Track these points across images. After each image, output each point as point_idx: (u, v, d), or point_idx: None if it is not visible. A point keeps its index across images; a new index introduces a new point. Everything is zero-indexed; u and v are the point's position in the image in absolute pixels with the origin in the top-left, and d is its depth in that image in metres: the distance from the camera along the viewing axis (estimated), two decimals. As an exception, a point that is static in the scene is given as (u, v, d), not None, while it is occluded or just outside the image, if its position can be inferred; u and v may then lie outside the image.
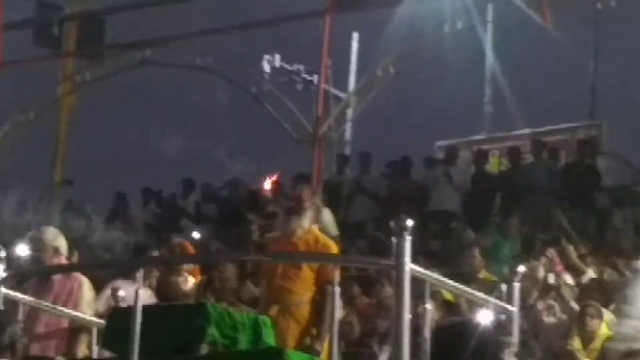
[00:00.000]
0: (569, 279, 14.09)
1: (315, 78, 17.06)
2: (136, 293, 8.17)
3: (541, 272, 14.02)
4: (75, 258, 12.49)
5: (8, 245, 11.57)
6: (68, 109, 17.66)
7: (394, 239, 7.81)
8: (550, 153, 21.41)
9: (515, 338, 9.20)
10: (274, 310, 9.75)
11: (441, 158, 22.02)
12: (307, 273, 9.99)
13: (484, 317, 10.22)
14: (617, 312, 13.31)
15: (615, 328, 13.05)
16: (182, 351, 8.51)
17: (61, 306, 10.15)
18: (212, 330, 8.47)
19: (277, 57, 18.40)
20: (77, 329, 10.44)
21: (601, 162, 19.25)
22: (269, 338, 8.94)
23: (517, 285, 9.42)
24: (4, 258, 9.77)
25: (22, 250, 11.58)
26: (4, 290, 9.14)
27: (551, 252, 14.59)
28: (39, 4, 17.46)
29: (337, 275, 9.38)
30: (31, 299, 9.76)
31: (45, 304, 9.97)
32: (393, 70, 16.36)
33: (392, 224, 7.72)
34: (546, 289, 13.66)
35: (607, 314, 12.92)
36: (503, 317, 9.30)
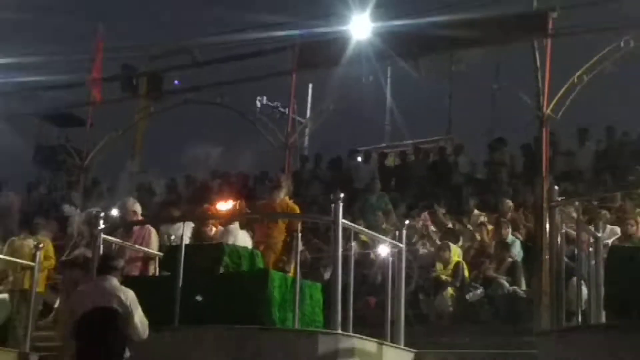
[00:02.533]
0: (433, 227, 14.28)
1: (286, 110, 17.18)
2: (182, 237, 8.76)
3: (420, 224, 14.24)
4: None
5: (107, 210, 11.77)
6: (141, 129, 17.77)
7: (333, 205, 8.12)
8: (424, 154, 21.55)
9: (403, 264, 9.40)
10: (262, 247, 10.01)
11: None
12: (281, 225, 10.24)
13: (383, 250, 10.51)
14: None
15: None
16: (208, 272, 8.68)
17: (138, 245, 10.63)
18: (226, 259, 8.63)
19: (265, 98, 18.66)
20: (148, 258, 10.85)
21: (461, 159, 19.48)
22: (260, 264, 9.17)
23: (404, 232, 9.72)
24: (102, 216, 10.00)
25: (115, 212, 11.78)
26: (103, 235, 9.35)
27: (424, 214, 14.78)
28: (124, 67, 17.49)
29: (299, 227, 9.60)
30: (120, 240, 10.22)
31: (129, 244, 10.43)
32: (332, 106, 16.39)
33: (332, 196, 8.03)
34: (423, 235, 13.89)
35: (455, 248, 13.07)
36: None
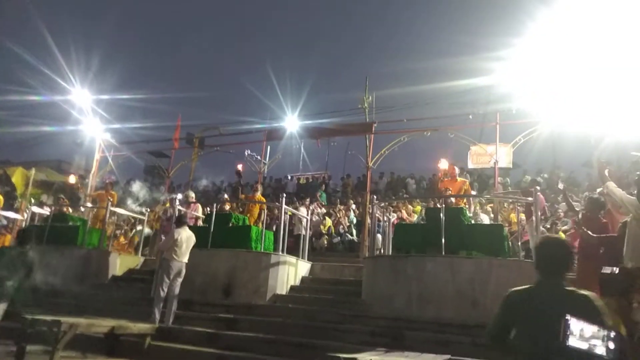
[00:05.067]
0: (319, 210, 14.04)
1: (259, 157, 16.73)
2: (214, 210, 8.07)
3: (312, 208, 14.04)
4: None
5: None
6: (194, 161, 16.91)
7: (280, 199, 7.84)
8: (314, 178, 21.51)
9: (307, 224, 9.32)
10: (248, 215, 9.70)
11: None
12: (256, 206, 9.96)
13: (302, 214, 10.17)
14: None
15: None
16: (225, 224, 8.43)
17: (192, 212, 9.60)
18: (233, 220, 8.39)
19: (248, 151, 18.04)
20: (197, 218, 9.82)
21: (331, 182, 19.50)
22: (247, 222, 8.91)
23: (308, 211, 9.54)
24: (177, 198, 9.45)
25: (181, 197, 11.22)
26: (178, 205, 8.90)
27: (315, 203, 14.57)
28: (187, 133, 16.79)
29: (264, 207, 9.42)
30: (184, 209, 9.29)
31: (188, 211, 9.43)
32: (280, 156, 16.22)
33: (280, 195, 7.82)
34: (315, 212, 13.71)
35: (328, 219, 12.99)
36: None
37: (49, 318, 5.29)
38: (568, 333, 1.74)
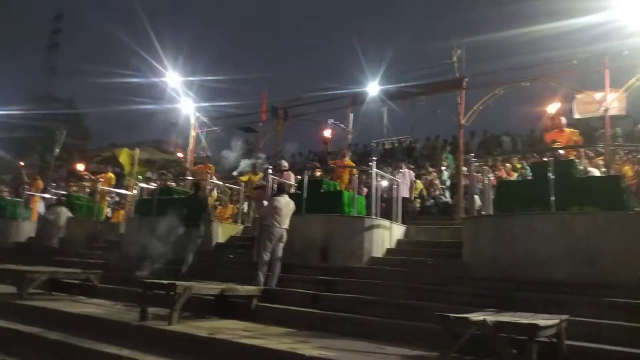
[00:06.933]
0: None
1: (343, 125, 16.44)
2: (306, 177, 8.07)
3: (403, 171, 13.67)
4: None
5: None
6: (280, 132, 17.02)
7: (371, 163, 7.62)
8: (400, 143, 20.90)
9: (398, 188, 9.11)
10: (338, 181, 9.67)
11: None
12: (347, 172, 9.92)
13: (386, 183, 9.94)
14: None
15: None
16: (317, 190, 8.49)
17: (285, 180, 9.61)
18: (324, 185, 8.43)
19: (332, 120, 17.73)
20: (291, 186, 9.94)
21: (418, 144, 18.86)
22: (337, 187, 8.90)
23: (397, 175, 9.38)
24: (269, 166, 9.55)
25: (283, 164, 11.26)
26: (271, 174, 9.02)
27: (405, 168, 14.15)
28: (272, 106, 17.02)
29: (354, 172, 9.34)
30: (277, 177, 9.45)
31: (282, 180, 9.51)
32: (365, 121, 15.86)
33: (369, 160, 7.60)
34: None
35: (419, 182, 12.63)
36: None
37: (165, 282, 5.71)
38: None
